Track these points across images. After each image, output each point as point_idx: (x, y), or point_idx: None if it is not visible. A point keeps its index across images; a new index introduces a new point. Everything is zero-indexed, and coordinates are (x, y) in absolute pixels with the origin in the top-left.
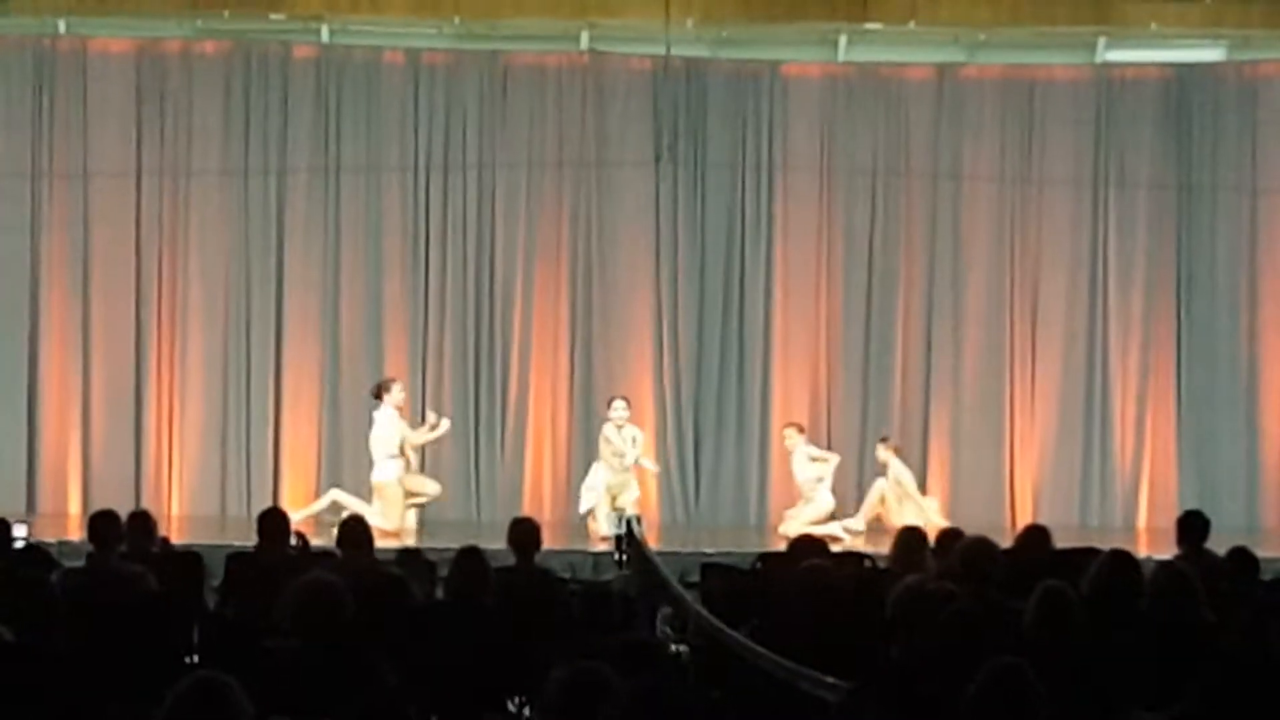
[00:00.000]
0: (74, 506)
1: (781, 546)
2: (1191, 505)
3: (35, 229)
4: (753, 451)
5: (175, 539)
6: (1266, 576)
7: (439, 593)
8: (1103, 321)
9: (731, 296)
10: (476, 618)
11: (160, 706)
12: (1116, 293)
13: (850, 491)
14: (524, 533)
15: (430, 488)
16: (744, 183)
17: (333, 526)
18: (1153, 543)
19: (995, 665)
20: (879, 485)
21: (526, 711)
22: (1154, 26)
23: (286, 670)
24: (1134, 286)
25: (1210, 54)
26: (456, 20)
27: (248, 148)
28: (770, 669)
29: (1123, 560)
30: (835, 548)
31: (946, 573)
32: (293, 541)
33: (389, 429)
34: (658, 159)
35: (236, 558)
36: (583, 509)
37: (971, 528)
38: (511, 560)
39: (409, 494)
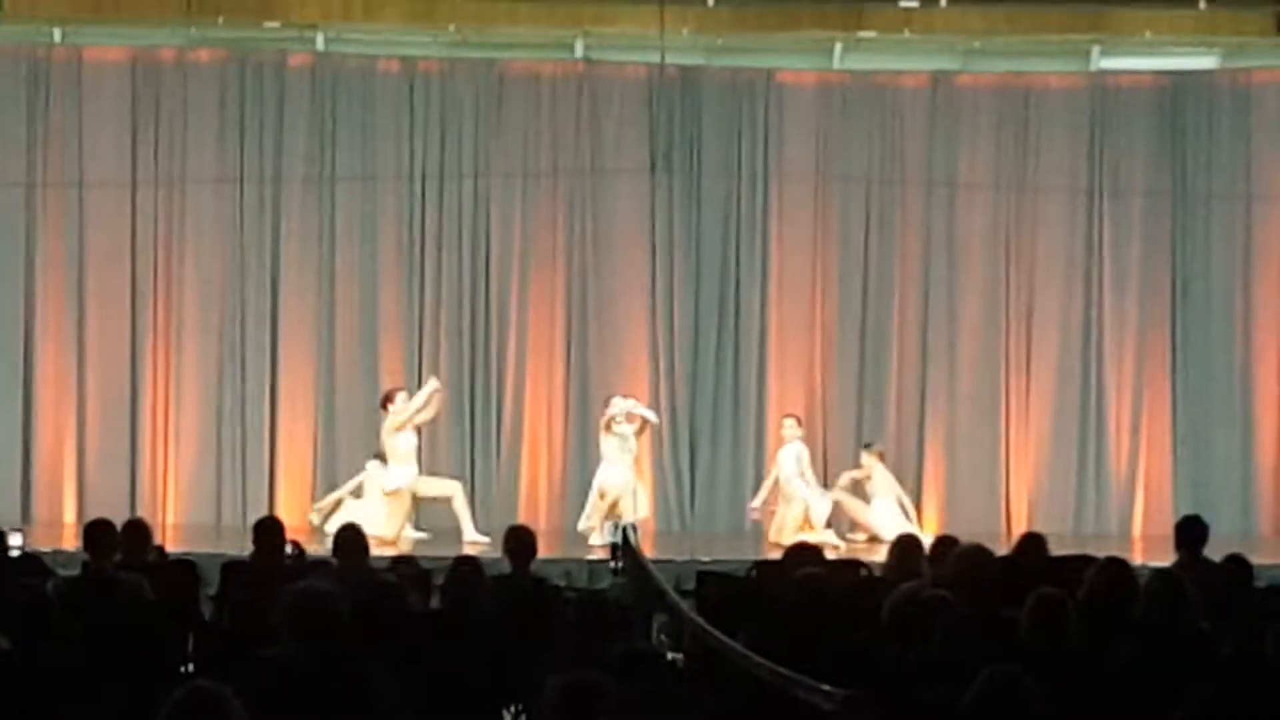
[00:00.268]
0: (69, 515)
1: (776, 554)
2: (1187, 512)
3: (30, 237)
4: (748, 459)
5: (170, 547)
6: (1261, 583)
7: (434, 601)
8: (1098, 328)
9: (727, 304)
10: (472, 626)
11: (155, 716)
12: (1111, 300)
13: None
14: (520, 540)
15: (447, 487)
16: (739, 190)
17: (328, 536)
18: (1148, 550)
19: (992, 673)
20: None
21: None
22: (1148, 34)
23: (282, 679)
24: (1129, 293)
25: (1204, 62)
26: (451, 29)
27: (243, 156)
28: (766, 677)
29: (1118, 568)
30: (830, 555)
31: (942, 580)
32: (288, 550)
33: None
34: (653, 167)
35: (231, 566)
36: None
37: (967, 534)
38: (507, 568)
39: (430, 499)
